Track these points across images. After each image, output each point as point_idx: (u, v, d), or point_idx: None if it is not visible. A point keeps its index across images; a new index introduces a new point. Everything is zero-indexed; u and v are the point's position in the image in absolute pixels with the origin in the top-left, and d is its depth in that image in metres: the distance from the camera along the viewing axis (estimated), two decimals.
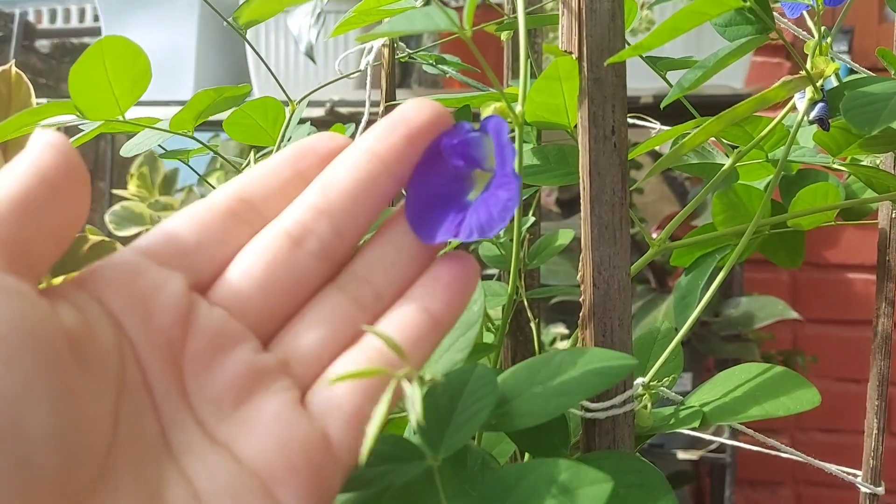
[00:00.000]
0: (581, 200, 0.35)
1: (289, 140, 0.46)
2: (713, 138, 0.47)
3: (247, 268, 0.28)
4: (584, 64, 0.34)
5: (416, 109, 0.30)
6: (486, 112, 0.33)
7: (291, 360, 0.27)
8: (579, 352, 0.32)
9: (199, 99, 0.38)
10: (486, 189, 0.30)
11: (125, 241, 0.97)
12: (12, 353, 0.20)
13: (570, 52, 0.34)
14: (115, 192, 1.07)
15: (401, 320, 0.28)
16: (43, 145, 0.24)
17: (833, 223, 0.52)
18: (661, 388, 0.37)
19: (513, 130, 0.33)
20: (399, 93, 1.07)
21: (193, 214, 0.28)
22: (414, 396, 0.25)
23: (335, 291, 0.29)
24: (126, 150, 0.41)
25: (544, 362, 0.32)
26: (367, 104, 0.50)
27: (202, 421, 0.25)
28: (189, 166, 0.58)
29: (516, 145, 0.34)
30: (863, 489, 0.49)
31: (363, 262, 0.29)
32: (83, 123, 0.37)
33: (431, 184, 0.30)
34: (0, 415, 0.19)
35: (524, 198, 0.39)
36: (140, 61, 0.36)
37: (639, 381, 0.37)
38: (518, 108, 0.33)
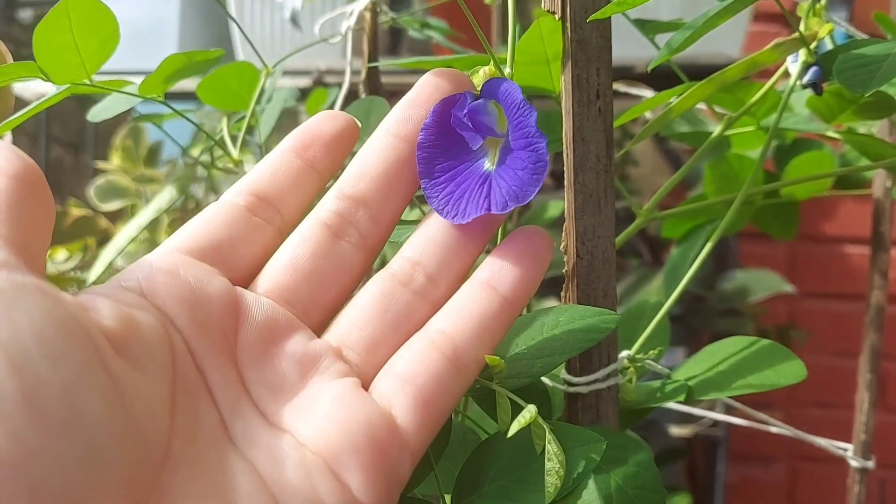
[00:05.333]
0: (564, 167, 0.34)
1: (269, 102, 0.45)
2: (706, 107, 0.46)
3: (290, 259, 0.28)
4: (568, 24, 0.32)
5: (434, 82, 0.30)
6: (476, 77, 0.32)
7: (345, 347, 0.27)
8: (561, 310, 0.31)
9: (169, 62, 0.37)
10: (503, 154, 0.29)
11: (109, 215, 0.96)
12: (57, 347, 0.19)
13: (554, 13, 0.33)
14: (98, 165, 1.06)
15: (469, 301, 0.28)
16: (3, 154, 0.23)
17: (827, 193, 0.51)
18: (647, 360, 0.36)
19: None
20: (389, 60, 1.05)
21: (215, 214, 0.28)
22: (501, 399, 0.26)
23: (387, 277, 0.28)
24: (93, 114, 0.40)
25: (527, 322, 0.31)
26: (348, 70, 0.49)
27: (262, 409, 0.25)
28: (170, 137, 0.57)
29: None
30: (853, 463, 0.49)
31: (412, 245, 0.29)
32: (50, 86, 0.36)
33: (445, 161, 0.29)
34: (61, 406, 0.19)
35: None
36: (108, 22, 0.34)
37: (623, 354, 0.36)
38: (507, 70, 0.32)
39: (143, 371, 0.22)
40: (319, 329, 0.28)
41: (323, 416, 0.25)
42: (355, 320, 0.28)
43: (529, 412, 0.26)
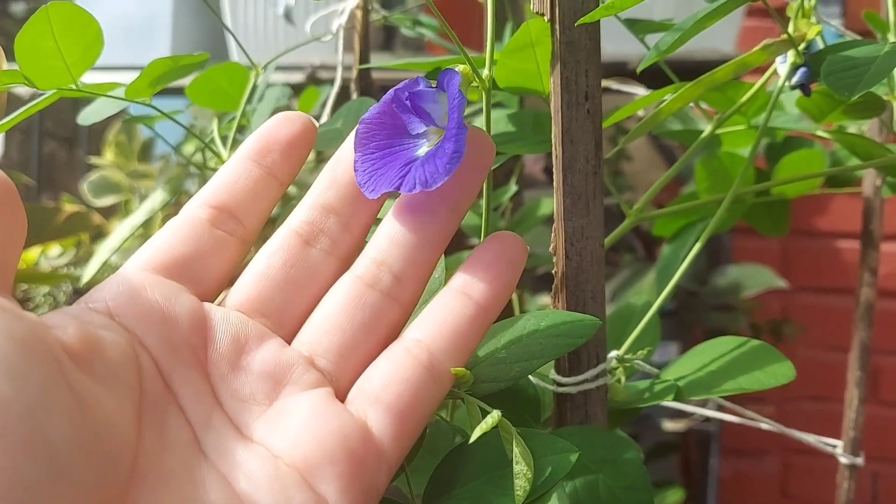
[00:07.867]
0: (553, 169, 0.34)
1: (260, 100, 0.44)
2: (696, 106, 0.46)
3: (263, 270, 0.28)
4: (557, 26, 0.32)
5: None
6: None
7: (317, 355, 0.27)
8: (542, 314, 0.31)
9: (154, 67, 0.37)
10: (439, 143, 0.29)
11: (103, 210, 0.96)
12: (18, 365, 0.19)
13: (543, 14, 0.33)
14: (92, 160, 1.06)
15: (443, 308, 0.28)
16: None
17: (818, 191, 0.51)
18: (636, 361, 0.36)
19: (481, 96, 0.31)
20: (382, 56, 1.05)
21: (178, 229, 0.28)
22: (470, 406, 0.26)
23: (353, 280, 0.28)
24: (83, 117, 0.40)
25: (507, 326, 0.31)
26: (340, 68, 0.49)
27: (236, 422, 0.25)
28: (162, 138, 0.57)
29: (483, 111, 0.33)
30: (842, 460, 0.49)
31: (374, 245, 0.29)
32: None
33: (383, 139, 0.29)
34: (23, 425, 0.19)
35: (500, 165, 0.38)
36: (91, 28, 0.34)
37: (612, 354, 0.36)
38: (485, 72, 0.32)
39: (108, 388, 0.22)
40: (293, 334, 0.28)
41: (296, 427, 0.25)
42: (325, 326, 0.27)
43: (492, 417, 0.26)
